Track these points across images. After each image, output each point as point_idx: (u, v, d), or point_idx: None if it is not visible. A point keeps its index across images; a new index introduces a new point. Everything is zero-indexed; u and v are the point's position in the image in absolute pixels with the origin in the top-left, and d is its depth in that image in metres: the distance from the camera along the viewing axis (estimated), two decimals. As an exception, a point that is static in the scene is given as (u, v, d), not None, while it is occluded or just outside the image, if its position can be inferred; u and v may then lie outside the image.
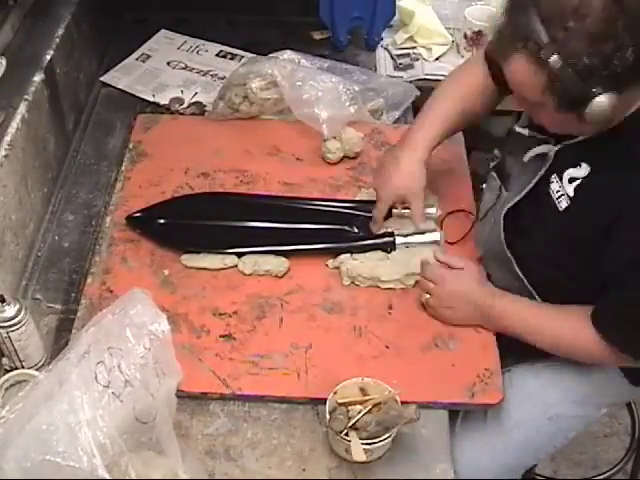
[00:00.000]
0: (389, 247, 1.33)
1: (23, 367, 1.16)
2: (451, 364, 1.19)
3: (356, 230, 1.37)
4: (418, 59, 1.83)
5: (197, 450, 1.10)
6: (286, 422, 1.14)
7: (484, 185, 1.34)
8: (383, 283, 1.29)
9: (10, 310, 1.10)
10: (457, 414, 1.26)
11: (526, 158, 1.19)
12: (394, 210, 1.38)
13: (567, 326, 1.17)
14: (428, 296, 1.24)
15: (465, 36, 1.80)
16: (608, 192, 1.08)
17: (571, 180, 1.13)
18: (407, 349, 1.21)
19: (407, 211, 1.37)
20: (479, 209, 1.36)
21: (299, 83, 1.54)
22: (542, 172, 1.16)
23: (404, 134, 1.37)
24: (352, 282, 1.30)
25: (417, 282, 1.29)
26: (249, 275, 1.31)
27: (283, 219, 1.39)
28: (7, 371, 1.16)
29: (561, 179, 1.14)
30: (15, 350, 1.13)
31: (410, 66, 1.81)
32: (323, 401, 1.10)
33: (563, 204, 1.14)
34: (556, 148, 1.15)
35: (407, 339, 1.22)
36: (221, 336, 1.22)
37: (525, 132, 1.20)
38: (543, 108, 1.05)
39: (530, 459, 1.39)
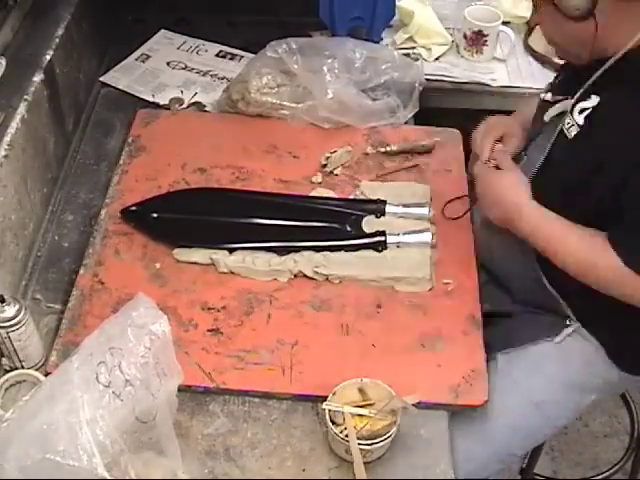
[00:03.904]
0: (380, 246, 1.34)
1: (23, 367, 1.16)
2: (437, 364, 1.19)
3: (348, 229, 1.37)
4: (418, 59, 1.82)
5: (197, 450, 1.10)
6: (286, 422, 1.14)
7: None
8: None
9: (10, 310, 1.10)
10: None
11: (547, 117, 1.22)
12: (388, 207, 1.38)
13: (588, 245, 1.15)
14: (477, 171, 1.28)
15: (465, 36, 1.80)
16: (619, 116, 1.10)
17: (581, 111, 1.16)
18: (393, 348, 1.21)
19: (401, 211, 1.38)
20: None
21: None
22: (560, 126, 1.18)
23: None
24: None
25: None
26: (223, 273, 1.31)
27: (276, 216, 1.39)
28: (7, 371, 1.16)
29: (572, 114, 1.17)
30: (15, 350, 1.13)
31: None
32: (307, 398, 1.11)
33: (573, 132, 1.16)
34: (573, 101, 1.17)
35: (394, 339, 1.22)
36: (208, 330, 1.23)
37: (548, 96, 1.24)
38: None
39: (519, 447, 1.37)
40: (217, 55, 1.85)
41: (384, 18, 1.83)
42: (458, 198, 1.43)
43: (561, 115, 1.19)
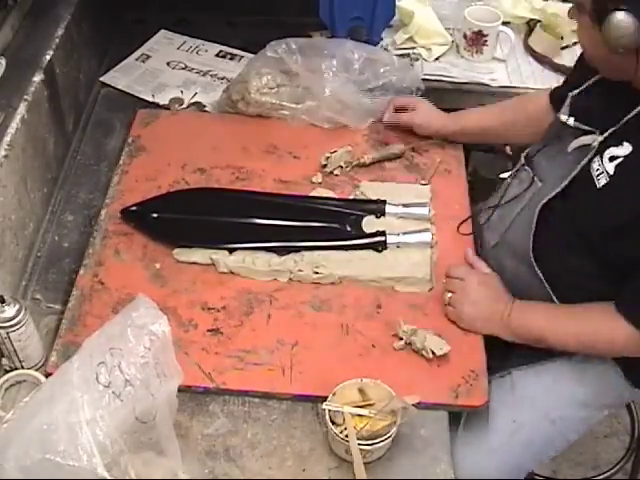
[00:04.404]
0: (380, 246, 1.34)
1: (23, 367, 1.16)
2: (437, 365, 1.19)
3: (348, 229, 1.37)
4: (418, 59, 1.82)
5: (197, 450, 1.09)
6: (286, 422, 1.14)
7: (506, 174, 1.34)
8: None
9: (10, 310, 1.10)
10: (459, 417, 1.26)
11: (570, 148, 1.18)
12: (388, 207, 1.38)
13: (593, 321, 1.16)
14: (451, 295, 1.24)
15: (465, 36, 1.80)
16: None
17: (612, 159, 1.12)
18: (393, 349, 1.21)
19: (401, 211, 1.38)
20: (499, 198, 1.34)
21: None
22: (584, 162, 1.15)
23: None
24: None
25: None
26: (223, 273, 1.31)
27: (276, 216, 1.39)
28: (7, 371, 1.16)
29: (602, 158, 1.13)
30: (15, 350, 1.13)
31: (410, 66, 1.80)
32: (307, 398, 1.12)
33: (602, 181, 1.12)
34: (600, 138, 1.13)
35: (394, 339, 1.22)
36: (208, 330, 1.23)
37: (571, 121, 1.19)
38: (582, 14, 1.07)
39: (531, 462, 1.38)
40: (217, 55, 1.85)
41: (384, 18, 1.83)
42: (464, 221, 1.40)
43: (585, 148, 1.15)
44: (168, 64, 1.82)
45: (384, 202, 1.40)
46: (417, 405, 1.07)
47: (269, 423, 1.13)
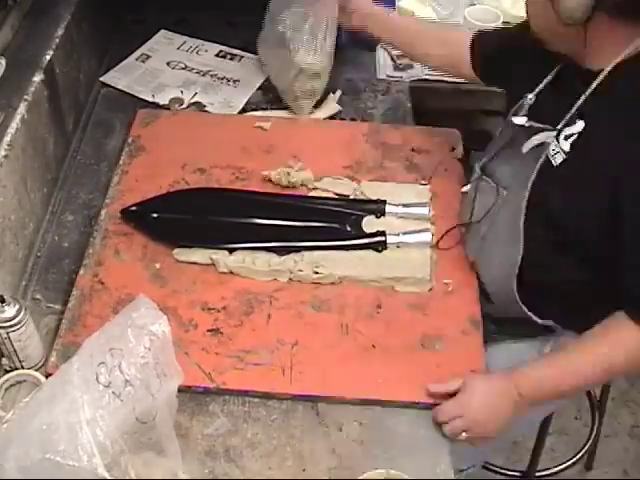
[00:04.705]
0: (380, 246, 1.34)
1: (23, 367, 1.16)
2: (436, 365, 1.19)
3: (348, 229, 1.37)
4: (418, 59, 1.83)
5: (197, 450, 1.09)
6: (286, 422, 1.14)
7: (466, 187, 1.32)
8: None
9: (10, 310, 1.10)
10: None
11: (525, 149, 1.18)
12: (388, 207, 1.38)
13: (611, 343, 1.11)
14: (465, 435, 1.12)
15: (465, 36, 1.80)
16: (606, 143, 1.08)
17: (567, 137, 1.13)
18: (393, 349, 1.21)
19: (401, 211, 1.38)
20: (469, 213, 1.31)
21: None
22: (543, 159, 1.15)
23: None
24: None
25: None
26: (223, 273, 1.31)
27: (276, 216, 1.39)
28: (7, 371, 1.16)
29: (557, 140, 1.14)
30: (15, 350, 1.13)
31: (410, 66, 1.80)
32: (307, 398, 1.12)
33: (558, 159, 1.13)
34: (554, 133, 1.14)
35: (394, 339, 1.22)
36: (208, 330, 1.23)
37: (523, 121, 1.20)
38: None
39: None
40: (217, 55, 1.85)
41: (384, 18, 1.83)
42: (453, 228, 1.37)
43: (541, 145, 1.15)
44: (168, 64, 1.82)
45: (384, 202, 1.40)
46: (416, 404, 1.06)
47: (269, 423, 1.13)
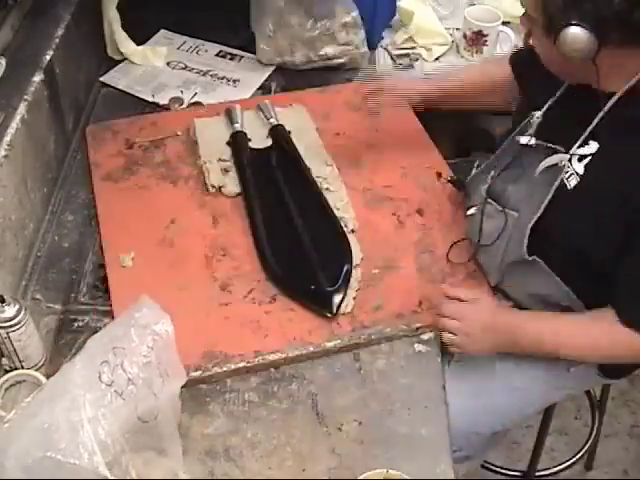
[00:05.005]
0: None
1: (23, 367, 1.16)
2: None
3: None
4: (418, 59, 1.83)
5: (197, 450, 1.09)
6: (286, 422, 1.14)
7: (471, 211, 1.30)
8: None
9: (10, 310, 1.10)
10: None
11: (537, 172, 1.16)
12: None
13: (599, 328, 1.14)
14: (453, 336, 1.20)
15: (465, 36, 1.81)
16: (620, 165, 1.07)
17: (580, 159, 1.11)
18: None
19: None
20: (477, 234, 1.29)
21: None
22: (557, 183, 1.13)
23: None
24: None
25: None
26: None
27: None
28: (7, 371, 1.16)
29: (570, 162, 1.12)
30: (15, 350, 1.13)
31: (410, 66, 1.81)
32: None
33: (573, 182, 1.11)
34: (568, 156, 1.12)
35: None
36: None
37: (532, 142, 1.18)
38: (535, 27, 1.08)
39: (487, 428, 1.37)
40: (217, 55, 1.85)
41: (384, 18, 1.84)
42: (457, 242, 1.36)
43: (555, 168, 1.14)
44: (168, 64, 1.82)
45: None
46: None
47: (269, 423, 1.13)
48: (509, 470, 1.86)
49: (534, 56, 1.15)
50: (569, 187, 1.12)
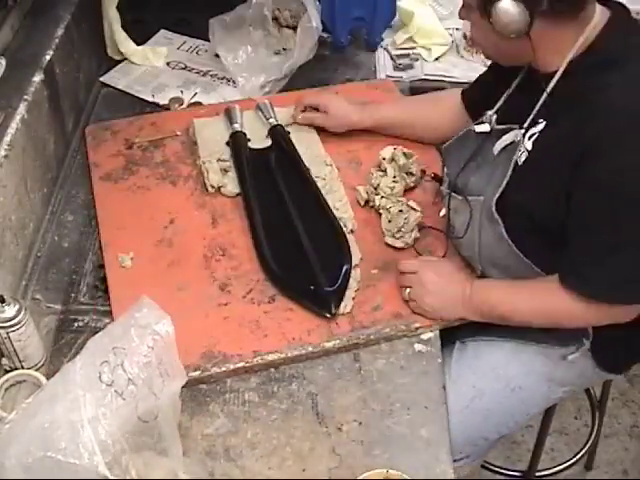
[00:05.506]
0: None
1: (23, 367, 1.16)
2: None
3: None
4: (418, 59, 1.83)
5: (197, 450, 1.09)
6: (286, 422, 1.14)
7: (442, 212, 1.32)
8: None
9: (10, 310, 1.10)
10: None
11: (496, 150, 1.21)
12: None
13: (541, 294, 1.18)
14: (408, 290, 1.25)
15: (465, 36, 1.81)
16: (564, 138, 1.10)
17: (530, 137, 1.16)
18: None
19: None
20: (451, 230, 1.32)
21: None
22: (515, 157, 1.17)
23: None
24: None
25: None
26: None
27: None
28: (7, 371, 1.16)
29: (523, 142, 1.16)
30: (15, 350, 1.13)
31: (410, 66, 1.81)
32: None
33: (522, 158, 1.16)
34: (522, 131, 1.16)
35: None
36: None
37: (487, 128, 1.23)
38: (472, 13, 1.13)
39: (492, 432, 1.37)
40: (217, 55, 1.85)
41: (385, 18, 1.84)
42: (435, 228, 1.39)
43: (511, 145, 1.18)
44: (168, 64, 1.82)
45: None
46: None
47: (269, 423, 1.13)
48: (509, 470, 1.86)
49: (481, 79, 1.29)
50: (520, 163, 1.16)
